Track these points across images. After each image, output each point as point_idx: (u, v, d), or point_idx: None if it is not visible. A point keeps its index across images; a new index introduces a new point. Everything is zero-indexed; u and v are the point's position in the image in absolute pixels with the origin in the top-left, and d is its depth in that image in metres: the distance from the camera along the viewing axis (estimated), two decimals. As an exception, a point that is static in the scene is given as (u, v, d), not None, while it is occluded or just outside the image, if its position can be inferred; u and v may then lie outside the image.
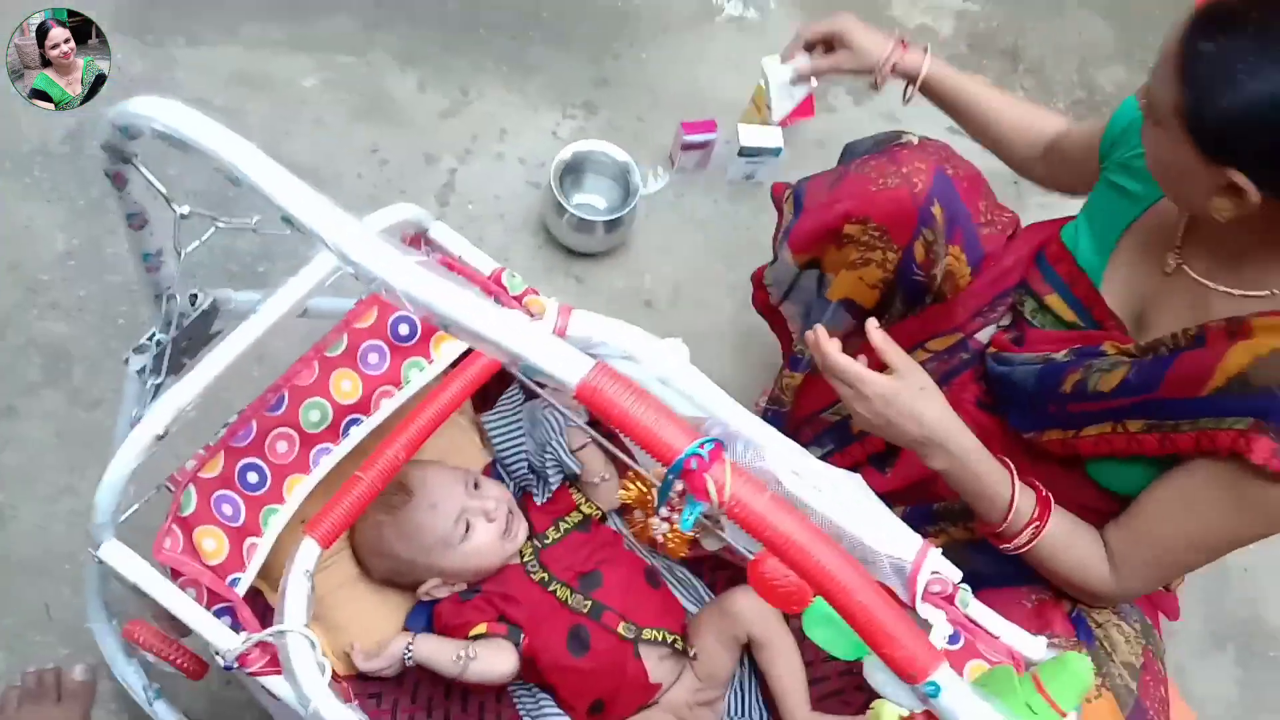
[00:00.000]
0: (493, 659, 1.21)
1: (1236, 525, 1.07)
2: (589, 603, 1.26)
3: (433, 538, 1.24)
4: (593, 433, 1.18)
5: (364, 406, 1.13)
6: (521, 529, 1.29)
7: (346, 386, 1.12)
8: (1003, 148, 1.43)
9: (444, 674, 1.21)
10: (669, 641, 1.27)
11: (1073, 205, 1.32)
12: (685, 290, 1.90)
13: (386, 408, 1.14)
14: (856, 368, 1.15)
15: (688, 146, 1.97)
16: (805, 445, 1.40)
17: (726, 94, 2.10)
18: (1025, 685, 0.73)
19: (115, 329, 1.68)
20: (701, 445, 0.67)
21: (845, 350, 1.18)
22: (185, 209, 0.94)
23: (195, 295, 1.23)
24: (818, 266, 1.37)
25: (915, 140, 1.31)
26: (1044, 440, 1.21)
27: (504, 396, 1.38)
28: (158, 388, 1.08)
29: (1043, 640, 1.07)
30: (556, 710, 1.26)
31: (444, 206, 1.90)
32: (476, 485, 1.28)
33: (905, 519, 1.32)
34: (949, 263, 1.28)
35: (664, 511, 1.02)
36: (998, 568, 1.23)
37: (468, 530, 1.24)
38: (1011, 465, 1.18)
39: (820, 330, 1.19)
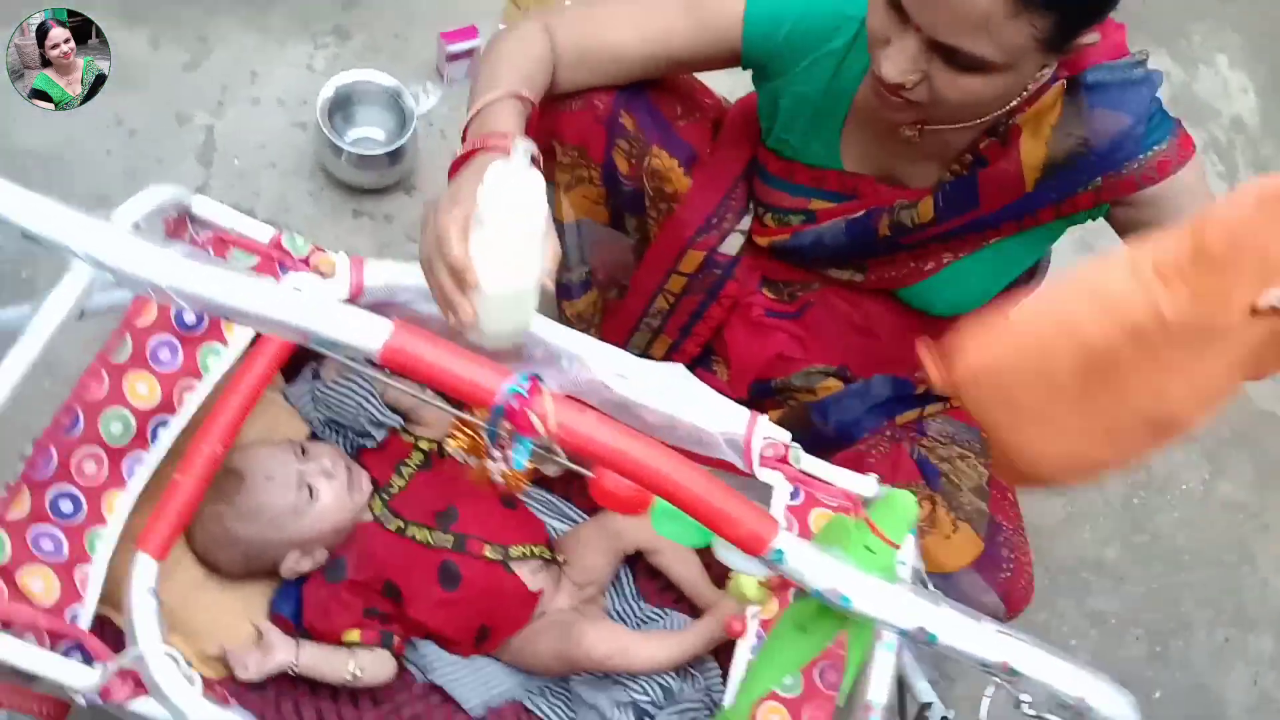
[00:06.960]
0: (378, 671, 1.24)
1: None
2: (450, 537, 1.26)
3: (279, 510, 1.21)
4: (413, 391, 1.17)
5: (167, 406, 1.07)
6: (364, 478, 1.28)
7: (143, 389, 1.06)
8: None
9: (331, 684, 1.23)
10: (537, 554, 1.30)
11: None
12: (482, 206, 1.86)
13: (191, 402, 1.08)
14: None
15: (453, 56, 1.90)
16: None
17: (481, -5, 2.03)
18: (860, 529, 0.78)
19: None
20: (519, 383, 0.68)
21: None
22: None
23: (-50, 324, 1.12)
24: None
25: None
26: (892, 275, 1.27)
27: (306, 369, 1.34)
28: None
29: (873, 478, 1.15)
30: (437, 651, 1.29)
31: (208, 167, 1.78)
32: (304, 451, 1.25)
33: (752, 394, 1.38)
34: (654, 162, 1.28)
35: (496, 453, 1.03)
36: (837, 417, 1.30)
37: (312, 494, 1.22)
38: None
39: None
